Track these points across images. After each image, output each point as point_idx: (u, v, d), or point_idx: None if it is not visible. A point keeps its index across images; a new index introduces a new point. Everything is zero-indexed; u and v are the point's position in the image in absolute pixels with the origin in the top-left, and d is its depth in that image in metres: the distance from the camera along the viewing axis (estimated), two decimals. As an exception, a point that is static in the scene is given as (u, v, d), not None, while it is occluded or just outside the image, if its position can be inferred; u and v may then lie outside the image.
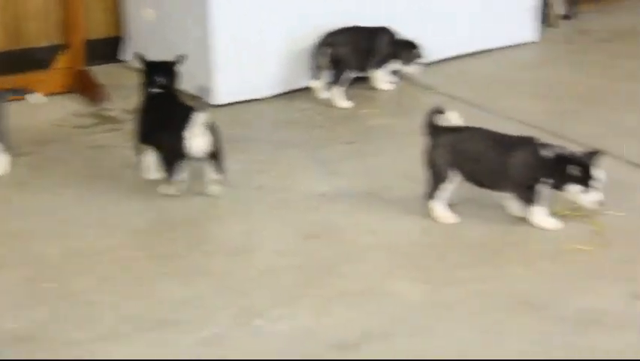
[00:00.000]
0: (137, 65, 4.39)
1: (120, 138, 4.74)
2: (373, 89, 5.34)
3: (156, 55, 4.44)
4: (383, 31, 5.27)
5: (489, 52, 5.93)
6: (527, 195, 3.77)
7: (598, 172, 3.69)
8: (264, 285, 3.46)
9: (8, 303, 3.37)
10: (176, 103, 4.16)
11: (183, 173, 4.06)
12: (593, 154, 3.72)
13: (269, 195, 4.16)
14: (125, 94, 5.16)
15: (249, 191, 4.19)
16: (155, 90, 4.25)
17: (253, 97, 5.23)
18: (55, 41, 5.50)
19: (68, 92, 5.31)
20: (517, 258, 3.60)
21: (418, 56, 5.30)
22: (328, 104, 5.14)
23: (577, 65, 5.78)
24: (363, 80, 5.35)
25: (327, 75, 5.16)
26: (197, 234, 3.87)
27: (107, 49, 5.72)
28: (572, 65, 5.80)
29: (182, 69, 4.34)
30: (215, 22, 5.09)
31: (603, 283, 3.42)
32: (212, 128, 4.03)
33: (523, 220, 3.82)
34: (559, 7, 6.56)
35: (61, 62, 5.37)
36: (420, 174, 3.91)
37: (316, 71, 5.14)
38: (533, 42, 6.13)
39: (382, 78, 5.35)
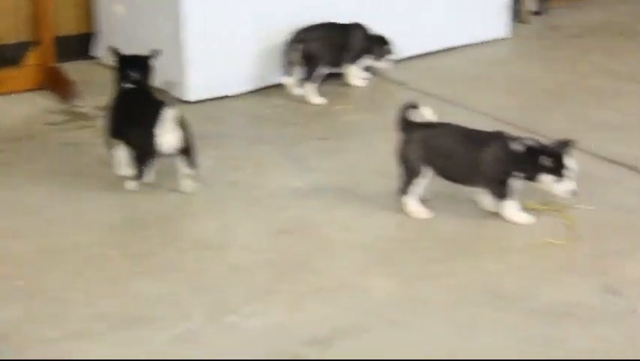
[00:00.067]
0: (111, 58, 4.37)
1: (92, 135, 4.71)
2: (346, 85, 5.35)
3: (127, 51, 4.42)
4: (356, 27, 5.28)
5: (461, 48, 5.96)
6: (499, 190, 3.80)
7: (570, 161, 3.72)
8: (237, 281, 3.46)
9: (-20, 301, 3.35)
10: (148, 99, 4.14)
11: (152, 170, 4.06)
12: (564, 144, 3.75)
13: (243, 191, 4.16)
14: (96, 90, 5.13)
15: (223, 187, 4.19)
16: (128, 85, 4.23)
17: (226, 93, 5.22)
18: (25, 38, 5.45)
19: (39, 89, 5.28)
20: (489, 252, 3.62)
21: (390, 51, 5.32)
22: (301, 100, 5.14)
23: (548, 61, 5.82)
24: (336, 77, 5.36)
25: (299, 71, 5.16)
26: (171, 230, 3.86)
27: (78, 45, 5.69)
28: (543, 60, 5.84)
29: (155, 64, 4.33)
30: (187, 18, 5.07)
31: (575, 276, 3.45)
32: (183, 124, 4.02)
33: (495, 215, 3.84)
34: (530, 4, 6.60)
35: (32, 58, 5.33)
36: (393, 169, 3.92)
37: (288, 67, 5.14)
38: (505, 38, 6.16)
39: (355, 74, 5.36)
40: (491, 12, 6.11)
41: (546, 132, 4.59)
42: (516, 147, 3.74)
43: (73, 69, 5.41)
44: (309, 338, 3.11)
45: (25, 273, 3.52)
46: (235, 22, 5.19)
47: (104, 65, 5.54)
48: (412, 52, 5.75)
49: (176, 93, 3.96)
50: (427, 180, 3.86)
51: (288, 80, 5.15)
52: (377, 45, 5.31)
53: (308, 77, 5.13)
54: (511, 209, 3.80)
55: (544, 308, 3.24)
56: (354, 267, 3.54)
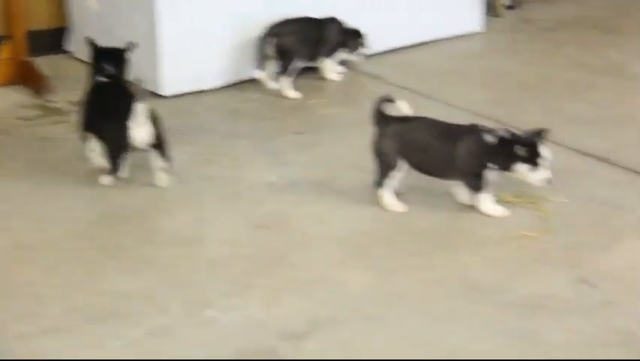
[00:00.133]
0: (87, 49, 4.34)
1: (66, 130, 4.69)
2: (322, 79, 5.35)
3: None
4: (331, 21, 5.28)
5: (435, 42, 5.98)
6: (474, 183, 3.81)
7: (544, 150, 3.74)
8: (213, 276, 3.45)
9: (-47, 297, 3.32)
10: (121, 92, 4.11)
11: (126, 165, 4.04)
12: (538, 133, 3.77)
13: (218, 186, 4.15)
14: (70, 85, 5.10)
15: (199, 182, 4.18)
16: (102, 79, 4.21)
17: (200, 88, 5.20)
18: (-3, 32, 5.42)
19: (12, 83, 5.24)
20: (465, 245, 3.63)
21: (364, 44, 5.33)
22: (277, 94, 5.13)
23: (522, 55, 5.85)
24: (311, 71, 5.36)
25: (274, 66, 5.15)
26: (147, 225, 3.85)
27: (52, 39, 5.65)
28: (517, 54, 5.87)
29: (130, 58, 4.31)
30: (161, 13, 5.04)
31: (549, 268, 3.47)
32: (154, 118, 4.01)
33: (470, 208, 3.86)
34: (504, -3, 6.64)
35: (4, 53, 5.29)
36: (369, 163, 3.93)
37: (263, 61, 5.13)
38: (479, 32, 6.19)
39: (331, 68, 5.37)
40: (465, 6, 6.13)
41: (521, 125, 4.59)
42: (490, 138, 3.76)
43: (46, 64, 5.38)
44: (285, 331, 3.11)
45: (-1, 269, 3.50)
46: (210, 16, 5.17)
47: (78, 60, 5.51)
48: (387, 46, 5.76)
49: (147, 87, 3.94)
50: (402, 173, 3.87)
51: (261, 75, 5.14)
52: (352, 39, 5.32)
53: (283, 72, 5.12)
54: (486, 202, 3.82)
55: (520, 301, 3.26)
56: (331, 261, 3.54)
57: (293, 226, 3.80)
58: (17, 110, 4.98)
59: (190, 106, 5.04)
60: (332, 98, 5.19)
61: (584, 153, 4.40)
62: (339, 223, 3.81)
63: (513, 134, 3.77)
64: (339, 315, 3.20)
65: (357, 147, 4.29)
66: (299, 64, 5.17)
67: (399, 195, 3.92)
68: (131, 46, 4.31)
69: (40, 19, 5.64)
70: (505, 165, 3.76)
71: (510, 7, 6.70)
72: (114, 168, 4.04)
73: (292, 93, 5.13)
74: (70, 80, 5.19)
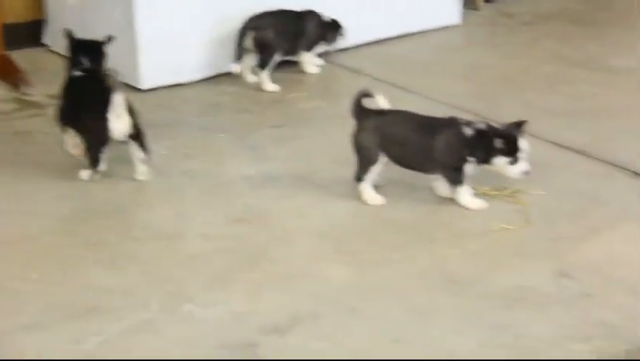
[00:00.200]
0: (64, 42, 4.31)
1: (43, 124, 4.66)
2: (301, 72, 5.34)
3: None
4: (310, 14, 5.27)
5: (413, 35, 5.98)
6: (454, 176, 3.82)
7: (523, 142, 3.75)
8: (193, 270, 3.44)
9: None
10: (99, 85, 4.09)
11: (105, 159, 4.03)
12: (517, 125, 3.78)
13: (198, 180, 4.14)
14: (47, 78, 5.07)
15: (178, 176, 4.16)
16: (78, 73, 4.18)
17: (179, 81, 5.18)
18: (-28, 25, 5.37)
19: (-12, 77, 5.20)
20: (445, 238, 3.64)
21: (342, 35, 5.33)
22: (256, 87, 5.12)
23: (500, 48, 5.86)
24: (290, 64, 5.35)
25: (253, 59, 5.14)
26: (126, 220, 3.83)
27: (28, 32, 5.61)
28: (495, 47, 5.89)
29: (108, 50, 4.29)
30: (139, 6, 5.02)
31: (528, 261, 3.48)
32: (131, 110, 3.99)
33: (450, 201, 3.87)
34: (482, -10, 6.64)
35: (-20, 46, 5.25)
36: (348, 157, 3.93)
37: (241, 54, 5.11)
38: (457, 25, 6.19)
39: (310, 61, 5.36)
40: (443, -1, 6.14)
41: (500, 118, 4.60)
42: (469, 131, 3.77)
43: (23, 57, 5.34)
44: (267, 326, 3.11)
45: (-25, 264, 3.48)
46: (188, 9, 5.14)
47: (55, 53, 5.48)
48: (366, 39, 5.76)
49: (125, 80, 3.93)
50: (381, 167, 3.87)
51: (238, 69, 5.11)
52: (331, 31, 5.32)
53: (262, 65, 5.11)
54: (465, 195, 3.83)
55: (499, 293, 3.27)
56: (311, 255, 3.54)
57: (273, 220, 3.79)
58: (-6, 104, 4.96)
59: (169, 100, 5.02)
60: (311, 91, 5.18)
61: (563, 146, 4.42)
62: (320, 217, 3.80)
63: (491, 127, 3.79)
64: (321, 309, 3.20)
65: (337, 140, 4.28)
66: (278, 57, 5.16)
67: (378, 188, 3.93)
68: (108, 39, 4.29)
69: (17, 12, 5.59)
70: (484, 158, 3.77)
71: (488, 0, 6.71)
72: (94, 162, 4.03)
73: (271, 86, 5.12)
74: (47, 74, 5.15)
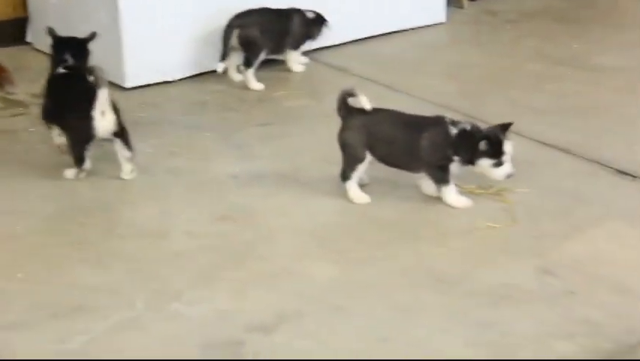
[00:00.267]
0: (48, 40, 4.30)
1: (27, 123, 4.65)
2: (286, 70, 5.34)
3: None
4: (296, 12, 5.27)
5: (398, 33, 5.99)
6: (439, 175, 3.83)
7: (508, 145, 3.76)
8: (179, 268, 3.44)
9: None
10: (82, 83, 4.08)
11: (89, 157, 4.02)
12: (503, 127, 3.79)
13: (183, 178, 4.13)
14: (31, 77, 5.05)
15: (163, 174, 4.16)
16: (62, 70, 4.17)
17: (164, 79, 5.17)
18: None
19: (-29, 76, 5.17)
20: (430, 236, 3.65)
21: (326, 27, 5.32)
22: (241, 86, 5.12)
23: (485, 46, 5.88)
24: (276, 62, 5.35)
25: (239, 57, 5.13)
26: (111, 218, 3.82)
27: (13, 31, 5.58)
28: (479, 45, 5.90)
29: (92, 48, 4.28)
30: (124, 4, 5.00)
31: (513, 258, 3.50)
32: (115, 107, 3.99)
33: (436, 200, 3.88)
34: (466, -12, 6.66)
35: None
36: (334, 155, 3.93)
37: (227, 53, 5.10)
38: (442, 23, 6.21)
39: (295, 59, 5.36)
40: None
41: (484, 117, 4.64)
42: (454, 131, 3.78)
43: (6, 55, 5.31)
44: (252, 324, 3.11)
45: (-40, 263, 3.46)
46: (172, 7, 5.13)
47: (39, 51, 5.45)
48: (351, 37, 5.77)
49: (109, 78, 3.92)
50: (367, 165, 3.88)
51: (222, 68, 5.10)
52: (316, 27, 5.31)
53: (247, 63, 5.10)
54: (451, 194, 3.84)
55: (484, 291, 3.28)
56: (297, 253, 3.55)
57: (259, 218, 3.79)
58: (-23, 102, 4.93)
59: (154, 98, 5.01)
60: (297, 89, 5.18)
61: (547, 144, 4.43)
62: (305, 216, 3.81)
63: (477, 128, 3.80)
64: (306, 307, 3.20)
65: (322, 138, 4.29)
66: (263, 56, 5.15)
67: (364, 186, 3.93)
68: (92, 36, 4.28)
69: (1, 10, 5.56)
70: (469, 158, 3.78)
71: (473, -1, 6.72)
72: (78, 160, 4.02)
73: (256, 85, 5.12)
74: (31, 72, 5.13)
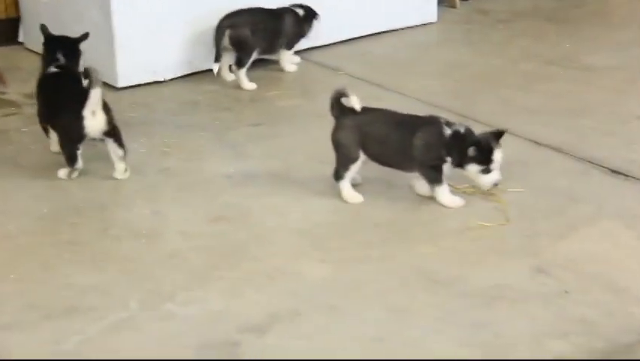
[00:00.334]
0: (40, 37, 4.29)
1: (19, 123, 4.64)
2: (279, 70, 5.35)
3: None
4: (287, 11, 5.26)
5: (390, 33, 6.00)
6: (432, 175, 3.83)
7: (498, 154, 3.76)
8: (172, 269, 3.43)
9: None
10: (73, 82, 4.08)
11: (80, 157, 4.01)
12: (496, 135, 3.79)
13: (176, 178, 4.13)
14: (23, 77, 5.04)
15: (156, 174, 4.15)
16: (53, 70, 4.16)
17: (156, 79, 5.16)
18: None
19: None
20: (424, 236, 3.65)
21: (317, 19, 5.32)
22: (234, 86, 5.12)
23: (477, 45, 5.89)
24: (269, 62, 5.34)
25: (232, 57, 5.12)
26: (104, 218, 3.81)
27: (5, 31, 5.57)
28: (471, 45, 5.91)
29: (83, 47, 4.27)
30: (116, 3, 4.99)
31: (507, 258, 3.50)
32: (106, 106, 3.98)
33: (429, 199, 3.88)
34: (458, -12, 6.67)
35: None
36: (327, 155, 3.93)
37: (220, 53, 5.09)
38: (433, 23, 6.22)
39: (288, 59, 5.36)
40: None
41: (476, 116, 4.66)
42: (448, 131, 3.77)
43: (-2, 55, 5.32)
44: (245, 324, 3.10)
45: (-47, 264, 3.45)
46: (164, 7, 5.13)
47: (30, 51, 5.44)
48: (343, 36, 5.77)
49: (99, 77, 3.92)
50: (360, 165, 3.88)
51: (216, 67, 5.09)
52: (307, 23, 5.30)
53: (239, 63, 5.09)
54: (444, 194, 3.84)
55: (478, 291, 3.29)
56: (291, 253, 3.54)
57: (252, 218, 3.79)
58: (-31, 102, 4.92)
59: (146, 98, 5.00)
60: (289, 89, 5.18)
61: (539, 143, 4.44)
62: (299, 215, 3.81)
63: (470, 133, 3.77)
64: (300, 307, 3.20)
65: (315, 138, 4.29)
66: (256, 55, 5.14)
67: (356, 186, 3.94)
68: (84, 36, 4.27)
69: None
70: (458, 161, 3.78)
71: (464, -2, 6.74)
72: (70, 159, 4.01)
73: (248, 85, 5.11)
74: (23, 72, 5.12)
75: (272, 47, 5.23)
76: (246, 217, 3.79)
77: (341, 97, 3.86)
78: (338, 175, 3.89)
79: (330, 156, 3.91)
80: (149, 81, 5.14)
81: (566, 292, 3.27)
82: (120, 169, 4.06)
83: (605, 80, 5.24)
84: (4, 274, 3.39)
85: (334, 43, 5.70)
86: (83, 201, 3.91)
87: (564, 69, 5.43)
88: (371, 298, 3.26)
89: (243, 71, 5.10)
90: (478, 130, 3.88)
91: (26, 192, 3.98)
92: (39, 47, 4.40)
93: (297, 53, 5.44)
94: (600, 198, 3.92)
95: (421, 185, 3.91)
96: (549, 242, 3.59)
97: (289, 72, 5.35)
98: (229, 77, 5.16)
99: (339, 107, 3.87)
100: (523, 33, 6.09)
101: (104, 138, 3.99)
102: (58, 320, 3.13)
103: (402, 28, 6.06)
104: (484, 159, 3.75)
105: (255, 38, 5.10)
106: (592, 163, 4.22)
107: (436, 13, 6.24)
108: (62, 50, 4.21)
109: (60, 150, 4.07)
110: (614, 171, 4.14)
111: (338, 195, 3.90)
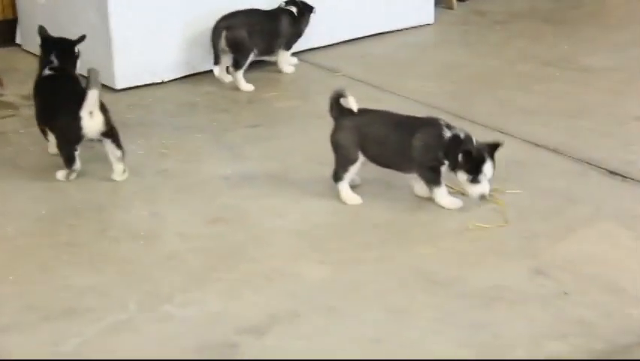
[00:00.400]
0: (38, 39, 4.29)
1: (17, 124, 4.63)
2: (277, 71, 5.34)
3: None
4: (283, 12, 5.26)
5: (387, 34, 6.00)
6: (430, 176, 3.83)
7: (488, 166, 3.73)
8: (171, 270, 3.43)
9: None
10: (70, 84, 4.08)
11: (77, 159, 4.01)
12: (491, 147, 3.75)
13: (174, 179, 4.13)
14: (20, 78, 5.04)
15: (154, 176, 4.15)
16: (50, 72, 4.16)
17: (154, 81, 5.16)
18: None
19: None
20: (423, 237, 3.65)
21: (313, 13, 5.32)
22: (232, 87, 5.11)
23: (473, 46, 5.90)
24: (266, 63, 5.34)
25: (228, 59, 5.12)
26: (102, 220, 3.81)
27: (2, 32, 5.57)
28: (468, 46, 5.92)
29: (81, 49, 4.27)
30: (113, 5, 4.99)
31: (505, 259, 3.50)
32: (103, 107, 3.98)
33: (428, 200, 3.88)
34: (455, -11, 6.67)
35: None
36: (325, 156, 3.93)
37: (218, 55, 5.09)
38: (431, 24, 6.22)
39: (286, 60, 5.36)
40: (417, -2, 6.17)
41: (473, 117, 4.67)
42: (447, 134, 3.76)
43: (-4, 57, 5.31)
44: (244, 326, 3.10)
45: (-48, 266, 3.44)
46: (162, 8, 5.13)
47: (28, 52, 5.44)
48: (339, 38, 5.78)
49: (99, 79, 3.92)
50: (359, 166, 3.88)
51: (218, 70, 5.09)
52: (304, 19, 5.30)
53: (236, 65, 5.09)
54: (442, 195, 3.84)
55: (477, 292, 3.29)
56: (289, 254, 3.54)
57: (250, 219, 3.79)
58: (-34, 104, 4.91)
59: (144, 99, 5.00)
60: (287, 90, 5.18)
61: (537, 145, 4.44)
62: (297, 217, 3.80)
63: (468, 139, 3.74)
64: (298, 308, 3.20)
65: (313, 139, 4.29)
66: (253, 57, 5.14)
67: (355, 187, 3.94)
68: (81, 39, 4.27)
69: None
70: (453, 166, 3.77)
71: (461, -1, 6.75)
72: (68, 161, 4.01)
73: (246, 86, 5.11)
74: (20, 74, 5.12)
75: (269, 48, 5.23)
76: (244, 219, 3.79)
77: (340, 98, 3.86)
78: (337, 176, 3.89)
79: (328, 157, 3.91)
80: (146, 83, 5.14)
81: (565, 293, 3.27)
82: (119, 170, 4.05)
83: (602, 81, 5.25)
84: (3, 276, 3.38)
85: (331, 45, 5.70)
86: (81, 203, 3.91)
87: (561, 70, 5.43)
88: (370, 299, 3.26)
89: (240, 73, 5.10)
90: (479, 135, 3.86)
91: (24, 194, 3.97)
92: (36, 49, 4.40)
93: (294, 54, 5.44)
94: (598, 199, 3.92)
95: (419, 186, 3.91)
96: (547, 243, 3.60)
97: (287, 73, 5.35)
98: (227, 78, 5.15)
99: (338, 108, 3.87)
100: (521, 34, 6.10)
101: (102, 138, 3.99)
102: (57, 321, 3.12)
103: (399, 30, 6.06)
104: (473, 169, 3.73)
105: (251, 40, 5.10)
106: (590, 164, 4.23)
107: (433, 15, 6.24)
108: (57, 52, 4.21)
109: (58, 152, 4.07)
110: (612, 172, 4.15)
111: (336, 196, 3.90)
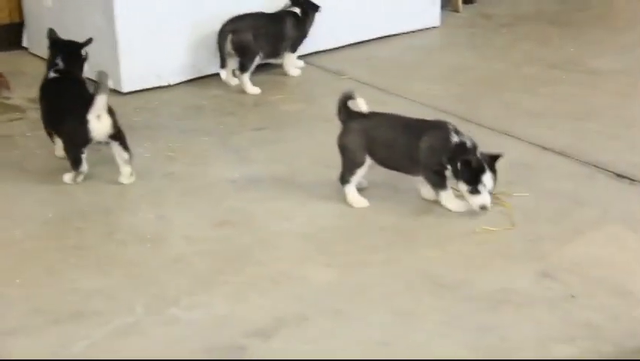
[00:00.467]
0: (47, 42, 4.30)
1: (24, 127, 4.64)
2: (283, 74, 5.35)
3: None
4: (288, 14, 5.27)
5: (394, 37, 6.00)
6: (436, 180, 3.82)
7: (487, 177, 3.71)
8: (177, 273, 3.43)
9: None
10: (75, 87, 4.08)
11: (84, 161, 4.02)
12: (493, 158, 3.73)
13: (180, 182, 4.13)
14: (27, 82, 5.04)
15: (161, 179, 4.15)
16: (55, 75, 4.17)
17: (160, 84, 5.17)
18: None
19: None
20: (429, 240, 3.65)
21: (319, 12, 5.32)
22: (238, 90, 5.12)
23: (479, 49, 5.90)
24: (272, 66, 5.35)
25: (234, 62, 5.13)
26: (109, 223, 3.81)
27: (8, 36, 5.58)
28: (474, 48, 5.92)
29: (88, 52, 4.28)
30: (119, 8, 5.00)
31: (512, 262, 3.50)
32: (110, 110, 3.98)
33: (435, 203, 3.88)
34: (461, -8, 6.68)
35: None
36: (331, 159, 3.93)
37: (225, 58, 5.09)
38: (436, 27, 6.22)
39: (292, 63, 5.36)
40: (422, 1, 6.16)
41: (480, 120, 4.67)
42: (455, 139, 3.74)
43: (2, 60, 5.32)
44: (251, 329, 3.10)
45: (-42, 268, 3.45)
46: (169, 11, 5.13)
47: (34, 56, 5.45)
48: (345, 41, 5.78)
49: (108, 82, 3.93)
50: (366, 169, 3.88)
51: (225, 74, 5.09)
52: (309, 20, 5.30)
53: (242, 68, 5.09)
54: (449, 198, 3.84)
55: (483, 295, 3.28)
56: (296, 257, 3.54)
57: (257, 222, 3.79)
58: (-26, 107, 4.92)
59: (150, 102, 5.01)
60: (293, 93, 5.18)
61: (544, 147, 4.44)
62: (304, 220, 3.80)
63: (473, 148, 3.72)
64: (305, 311, 3.20)
65: (320, 142, 4.29)
66: (258, 60, 5.14)
67: (362, 190, 3.93)
68: (88, 42, 4.28)
69: (-2, 15, 5.58)
70: (454, 174, 3.76)
71: (467, 2, 6.74)
72: (75, 163, 4.01)
73: (252, 89, 5.11)
74: (27, 77, 5.12)
75: (275, 50, 5.23)
76: (251, 222, 3.79)
77: (348, 100, 3.86)
78: (344, 179, 3.89)
79: (334, 160, 3.91)
80: (153, 86, 5.14)
81: (572, 296, 3.26)
82: (126, 173, 4.06)
83: (609, 83, 5.24)
84: (10, 279, 3.39)
85: (338, 48, 5.70)
86: (88, 206, 3.91)
87: (568, 73, 5.43)
88: (376, 302, 3.26)
89: (246, 76, 5.10)
90: (485, 137, 3.86)
91: (31, 197, 3.98)
92: (43, 52, 4.41)
93: (300, 57, 5.44)
94: (605, 202, 3.91)
95: (426, 189, 3.90)
96: (554, 246, 3.59)
97: (293, 76, 5.36)
98: (233, 81, 5.16)
99: (346, 111, 3.87)
100: (527, 37, 6.10)
101: (110, 141, 3.99)
102: (64, 324, 3.13)
103: (405, 33, 6.06)
104: (472, 179, 3.71)
105: (257, 43, 5.10)
106: (597, 167, 4.22)
107: (440, 17, 6.25)
108: (63, 54, 4.22)
109: (65, 155, 4.07)
110: (619, 175, 4.14)
111: (343, 199, 3.90)
